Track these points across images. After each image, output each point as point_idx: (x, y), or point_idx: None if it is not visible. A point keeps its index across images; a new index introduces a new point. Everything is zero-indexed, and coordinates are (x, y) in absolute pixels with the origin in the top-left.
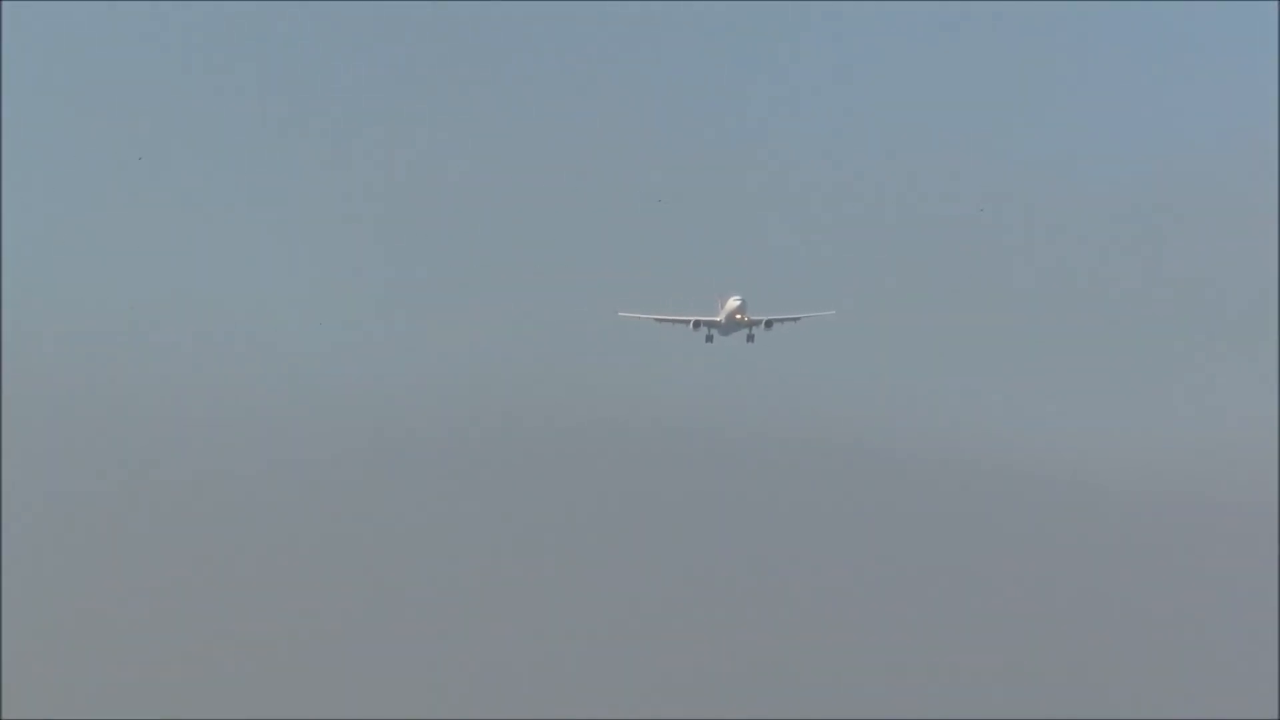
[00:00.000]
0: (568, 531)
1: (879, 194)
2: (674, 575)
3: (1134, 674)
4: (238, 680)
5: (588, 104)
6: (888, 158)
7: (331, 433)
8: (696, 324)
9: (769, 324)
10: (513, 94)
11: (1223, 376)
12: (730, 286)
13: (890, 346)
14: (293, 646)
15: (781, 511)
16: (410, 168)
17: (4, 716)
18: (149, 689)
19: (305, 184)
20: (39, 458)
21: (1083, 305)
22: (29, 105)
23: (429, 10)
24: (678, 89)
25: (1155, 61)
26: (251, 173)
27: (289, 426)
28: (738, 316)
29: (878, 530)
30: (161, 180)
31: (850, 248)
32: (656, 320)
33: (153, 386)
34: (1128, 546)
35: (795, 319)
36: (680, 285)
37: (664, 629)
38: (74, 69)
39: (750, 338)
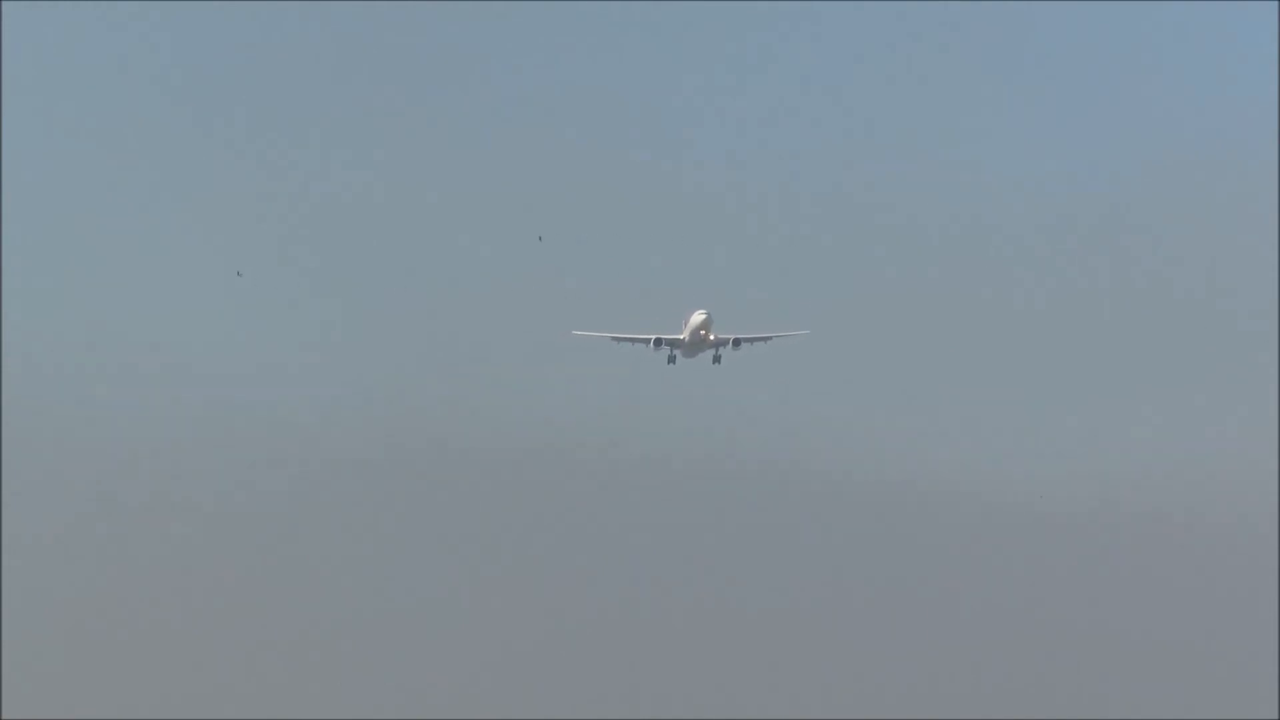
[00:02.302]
0: (512, 553)
1: (857, 206)
2: (625, 599)
3: (1133, 690)
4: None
5: (543, 117)
6: (869, 165)
7: (277, 452)
8: (658, 342)
9: (737, 343)
10: (461, 109)
11: (1221, 386)
12: (695, 303)
13: (870, 367)
14: (286, 649)
15: (750, 541)
16: (361, 182)
17: (4, 717)
18: (149, 688)
19: (255, 198)
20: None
21: (1076, 314)
22: (29, 105)
23: (354, 24)
24: (641, 100)
25: (1154, 62)
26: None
27: (253, 445)
28: (703, 333)
29: (884, 559)
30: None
31: (825, 264)
32: (613, 339)
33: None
34: (1125, 561)
35: (766, 339)
36: (639, 302)
37: (615, 655)
38: (74, 69)
39: (717, 359)
